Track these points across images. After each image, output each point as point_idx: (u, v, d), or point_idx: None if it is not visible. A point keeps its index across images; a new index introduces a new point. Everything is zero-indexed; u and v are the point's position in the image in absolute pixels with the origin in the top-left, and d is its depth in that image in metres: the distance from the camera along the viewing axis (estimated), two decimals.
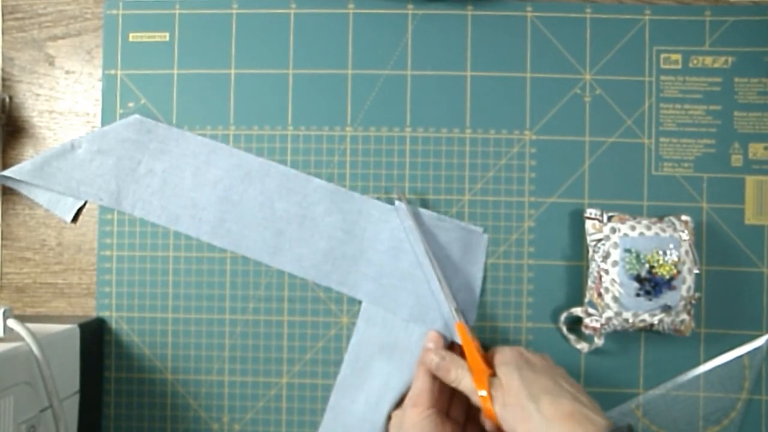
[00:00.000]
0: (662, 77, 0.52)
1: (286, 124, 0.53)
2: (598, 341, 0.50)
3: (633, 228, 0.48)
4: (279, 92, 0.53)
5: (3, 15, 0.54)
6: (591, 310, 0.49)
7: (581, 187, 0.52)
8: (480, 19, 0.53)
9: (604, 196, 0.52)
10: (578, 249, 0.52)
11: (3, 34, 0.54)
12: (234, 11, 0.53)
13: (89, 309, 0.54)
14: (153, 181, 0.52)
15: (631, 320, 0.48)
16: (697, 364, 0.51)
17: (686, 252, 0.47)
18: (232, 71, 0.53)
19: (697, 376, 0.51)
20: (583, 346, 0.50)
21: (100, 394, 0.52)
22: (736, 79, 0.52)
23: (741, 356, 0.51)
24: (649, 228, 0.48)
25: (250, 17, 0.53)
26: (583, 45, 0.52)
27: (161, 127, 0.52)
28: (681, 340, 0.51)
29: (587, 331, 0.49)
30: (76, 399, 0.49)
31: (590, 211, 0.50)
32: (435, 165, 0.52)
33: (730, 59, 0.52)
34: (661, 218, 0.50)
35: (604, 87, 0.52)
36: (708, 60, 0.52)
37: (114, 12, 0.54)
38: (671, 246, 0.47)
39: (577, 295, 0.51)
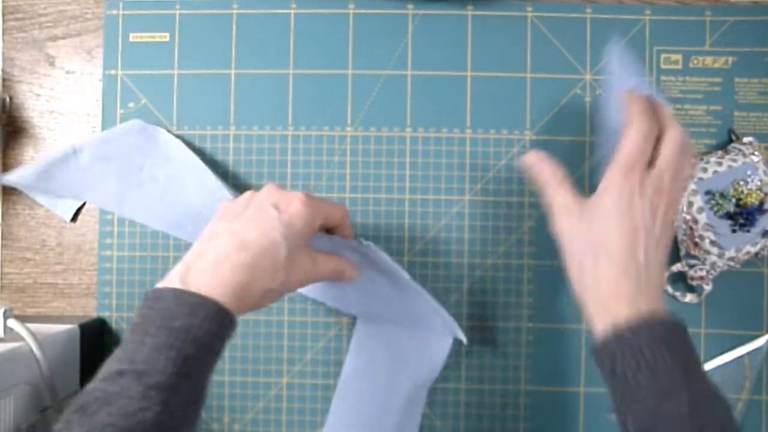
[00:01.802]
0: (662, 77, 0.52)
1: (286, 124, 0.53)
2: (707, 287, 0.50)
3: (705, 170, 0.48)
4: (279, 92, 0.53)
5: (3, 15, 0.54)
6: (692, 261, 0.49)
7: (581, 187, 0.52)
8: (480, 19, 0.53)
9: None
10: None
11: (3, 34, 0.54)
12: (234, 11, 0.53)
13: (89, 309, 0.54)
14: (155, 188, 0.52)
15: (736, 256, 0.47)
16: None
17: (765, 172, 0.47)
18: (232, 71, 0.53)
19: None
20: (692, 298, 0.50)
21: None
22: (737, 80, 0.52)
23: (741, 356, 0.50)
24: (720, 164, 0.48)
25: (250, 17, 0.53)
26: (583, 45, 0.52)
27: (163, 132, 0.52)
28: None
29: (694, 282, 0.49)
30: None
31: None
32: (435, 165, 0.52)
33: (730, 59, 0.52)
34: (725, 149, 0.50)
35: (603, 87, 0.52)
36: (708, 60, 0.52)
37: (114, 12, 0.54)
38: (749, 172, 0.47)
39: None
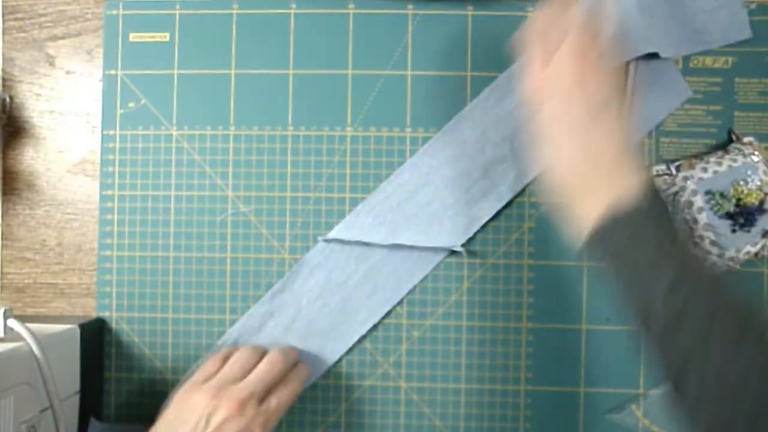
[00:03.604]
0: None
1: (286, 124, 0.53)
2: None
3: (705, 170, 0.48)
4: (279, 92, 0.53)
5: (3, 15, 0.54)
6: None
7: None
8: (480, 19, 0.53)
9: None
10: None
11: (3, 34, 0.54)
12: (234, 11, 0.53)
13: (89, 309, 0.54)
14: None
15: (736, 256, 0.47)
16: None
17: (764, 172, 0.47)
18: (232, 71, 0.53)
19: None
20: None
21: (100, 394, 0.52)
22: (737, 80, 0.52)
23: None
24: (720, 164, 0.48)
25: (250, 17, 0.53)
26: None
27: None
28: None
29: None
30: (76, 399, 0.49)
31: (656, 169, 0.50)
32: None
33: (730, 59, 0.52)
34: (725, 149, 0.50)
35: None
36: (708, 60, 0.52)
37: (114, 12, 0.54)
38: (749, 172, 0.47)
39: (577, 295, 0.51)
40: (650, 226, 0.36)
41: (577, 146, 0.39)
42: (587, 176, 0.38)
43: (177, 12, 0.53)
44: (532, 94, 0.41)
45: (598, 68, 0.39)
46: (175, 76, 0.53)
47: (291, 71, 0.53)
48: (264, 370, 0.46)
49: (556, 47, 0.40)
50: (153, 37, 0.53)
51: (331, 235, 0.52)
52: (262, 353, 0.48)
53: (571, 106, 0.39)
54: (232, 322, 0.52)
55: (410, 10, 0.53)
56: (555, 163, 0.40)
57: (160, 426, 0.43)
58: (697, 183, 0.48)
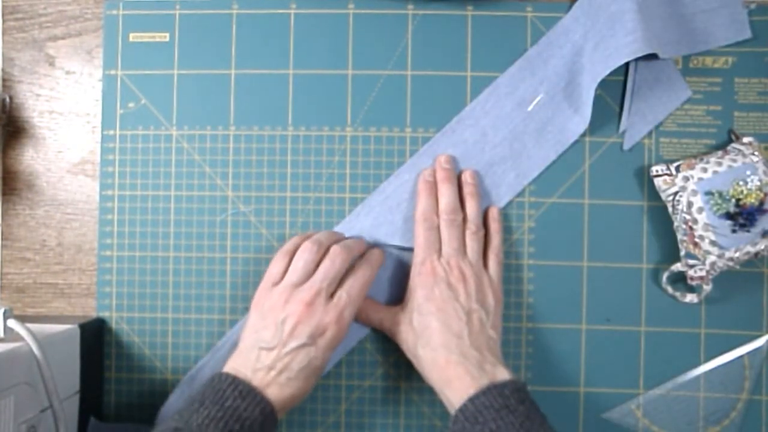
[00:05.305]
0: None
1: (286, 124, 0.53)
2: (707, 287, 0.50)
3: (705, 170, 0.48)
4: (279, 92, 0.53)
5: (3, 15, 0.54)
6: (692, 261, 0.49)
7: (581, 187, 0.52)
8: (480, 19, 0.53)
9: (604, 196, 0.52)
10: (578, 249, 0.52)
11: (3, 34, 0.54)
12: (234, 11, 0.53)
13: (89, 309, 0.54)
14: None
15: (736, 256, 0.47)
16: (698, 364, 0.51)
17: (764, 172, 0.47)
18: (232, 71, 0.53)
19: (698, 377, 0.51)
20: (692, 298, 0.50)
21: (100, 394, 0.52)
22: (737, 80, 0.52)
23: (741, 356, 0.51)
24: (720, 164, 0.48)
25: (250, 17, 0.53)
26: None
27: None
28: (681, 340, 0.51)
29: (694, 282, 0.49)
30: (76, 399, 0.49)
31: (656, 169, 0.50)
32: None
33: (730, 59, 0.52)
34: (725, 149, 0.50)
35: (604, 87, 0.52)
36: (708, 60, 0.52)
37: (114, 12, 0.54)
38: (748, 173, 0.47)
39: (577, 295, 0.51)
40: (500, 417, 0.40)
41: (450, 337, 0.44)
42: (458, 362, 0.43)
43: (177, 12, 0.53)
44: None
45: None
46: (175, 76, 0.53)
47: (291, 71, 0.53)
48: (326, 266, 0.45)
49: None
50: (153, 37, 0.53)
51: None
52: (326, 246, 0.47)
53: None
54: (232, 322, 0.52)
55: (410, 10, 0.53)
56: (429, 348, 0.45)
57: (247, 329, 0.46)
58: (697, 183, 0.48)
